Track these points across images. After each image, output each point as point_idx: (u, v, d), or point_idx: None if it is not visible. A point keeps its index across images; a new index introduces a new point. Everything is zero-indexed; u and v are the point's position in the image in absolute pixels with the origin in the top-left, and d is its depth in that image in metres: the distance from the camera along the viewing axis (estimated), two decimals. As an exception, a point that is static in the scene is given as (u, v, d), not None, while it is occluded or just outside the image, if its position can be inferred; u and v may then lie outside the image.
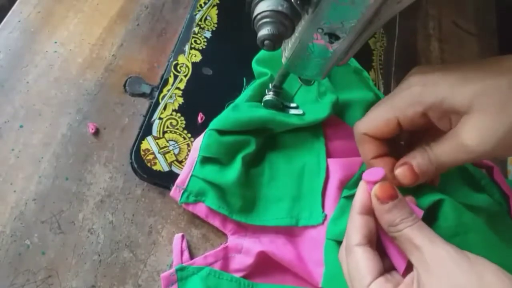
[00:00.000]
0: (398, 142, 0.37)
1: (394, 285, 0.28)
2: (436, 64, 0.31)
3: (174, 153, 0.41)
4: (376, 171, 0.30)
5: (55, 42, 0.45)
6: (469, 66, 0.30)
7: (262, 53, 0.46)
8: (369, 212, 0.30)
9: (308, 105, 0.44)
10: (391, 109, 0.32)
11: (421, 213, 0.30)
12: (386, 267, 0.30)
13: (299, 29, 0.30)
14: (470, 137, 0.29)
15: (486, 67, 0.29)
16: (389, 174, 0.34)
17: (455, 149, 0.30)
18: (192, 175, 0.39)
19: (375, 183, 0.29)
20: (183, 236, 0.39)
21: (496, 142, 0.28)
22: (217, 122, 0.41)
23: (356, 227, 0.30)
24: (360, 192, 0.30)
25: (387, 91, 0.53)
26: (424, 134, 0.35)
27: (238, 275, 0.38)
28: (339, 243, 0.37)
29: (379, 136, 0.34)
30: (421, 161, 0.31)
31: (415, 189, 0.35)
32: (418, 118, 0.31)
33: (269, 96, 0.41)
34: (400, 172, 0.32)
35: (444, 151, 0.30)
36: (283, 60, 0.35)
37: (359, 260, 0.29)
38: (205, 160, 0.39)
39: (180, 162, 0.41)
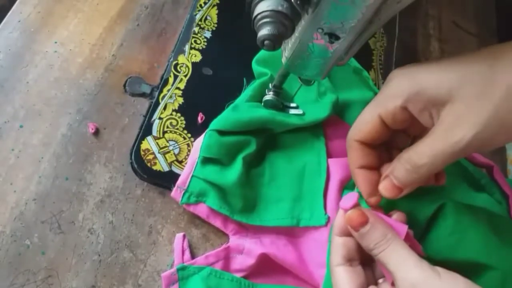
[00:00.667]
0: (397, 150, 0.35)
1: None
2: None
3: (174, 153, 0.41)
4: (350, 197, 0.30)
5: (55, 42, 0.45)
6: (448, 58, 0.29)
7: (262, 53, 0.46)
8: (348, 233, 0.31)
9: (308, 105, 0.44)
10: (373, 107, 0.31)
11: (404, 228, 0.30)
12: (377, 276, 0.31)
13: (299, 29, 0.30)
14: (454, 125, 0.27)
15: (464, 57, 0.28)
16: (370, 189, 0.32)
17: (441, 142, 0.27)
18: (193, 176, 0.39)
19: (346, 210, 0.30)
20: (184, 236, 0.39)
21: (480, 127, 0.26)
22: (217, 122, 0.41)
23: (335, 249, 0.31)
24: (339, 217, 0.31)
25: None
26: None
27: (238, 275, 0.38)
28: None
29: (368, 140, 0.32)
30: (399, 172, 0.30)
31: (418, 196, 0.35)
32: (399, 113, 0.30)
33: (269, 96, 0.41)
34: (382, 186, 0.31)
35: (426, 151, 0.28)
36: (283, 60, 0.35)
37: (339, 279, 0.29)
38: (206, 161, 0.39)
39: (180, 162, 0.41)
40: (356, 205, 0.30)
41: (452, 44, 0.63)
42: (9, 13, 0.45)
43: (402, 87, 0.29)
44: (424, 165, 0.28)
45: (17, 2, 0.46)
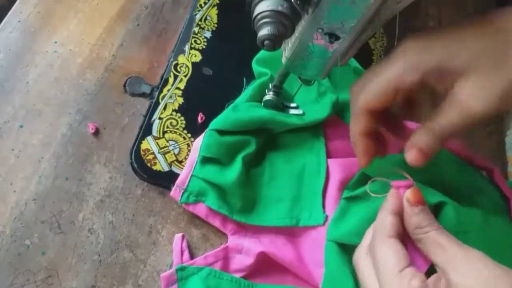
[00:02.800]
0: (388, 115, 0.37)
1: (423, 280, 0.28)
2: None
3: (174, 153, 0.41)
4: (403, 181, 0.32)
5: (55, 42, 0.45)
6: (464, 28, 0.30)
7: (262, 53, 0.46)
8: (400, 214, 0.31)
9: (308, 105, 0.44)
10: (389, 79, 0.32)
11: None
12: None
13: (299, 29, 0.30)
14: (471, 98, 0.28)
15: (480, 26, 0.29)
16: (369, 155, 0.35)
17: (459, 114, 0.29)
18: (192, 175, 0.39)
19: (407, 187, 0.32)
20: (183, 236, 0.39)
21: (497, 99, 0.28)
22: (217, 122, 0.41)
23: (389, 224, 0.31)
24: (392, 196, 0.32)
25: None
26: (418, 105, 0.36)
27: (238, 275, 0.38)
28: (339, 244, 0.37)
29: (380, 108, 0.33)
30: (427, 140, 0.31)
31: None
32: (416, 85, 0.31)
33: (269, 96, 0.41)
34: (410, 155, 0.32)
35: (448, 121, 0.30)
36: (283, 60, 0.35)
37: (392, 249, 0.29)
38: (205, 160, 0.39)
39: (180, 162, 0.41)
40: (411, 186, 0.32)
41: (452, 44, 0.63)
42: (9, 13, 0.45)
43: (420, 61, 0.30)
44: (447, 134, 0.30)
45: (17, 2, 0.46)
